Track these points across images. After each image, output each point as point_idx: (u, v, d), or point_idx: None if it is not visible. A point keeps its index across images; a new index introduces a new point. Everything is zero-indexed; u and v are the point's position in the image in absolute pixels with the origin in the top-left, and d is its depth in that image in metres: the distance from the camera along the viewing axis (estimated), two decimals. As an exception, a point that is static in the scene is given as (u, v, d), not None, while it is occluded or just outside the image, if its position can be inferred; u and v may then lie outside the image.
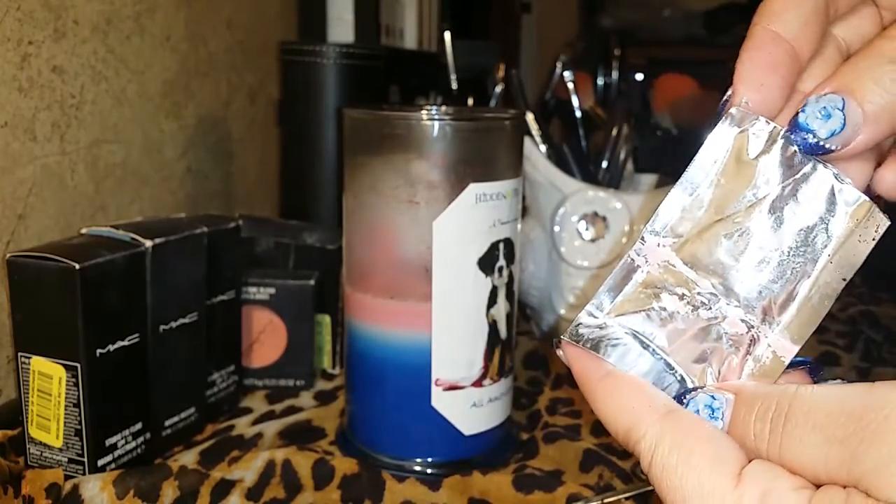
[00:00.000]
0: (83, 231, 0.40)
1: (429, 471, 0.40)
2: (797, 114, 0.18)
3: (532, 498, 0.37)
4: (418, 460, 0.40)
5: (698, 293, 0.18)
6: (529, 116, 0.56)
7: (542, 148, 0.55)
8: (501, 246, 0.39)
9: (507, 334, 0.41)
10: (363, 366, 0.41)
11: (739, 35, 0.22)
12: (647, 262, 0.19)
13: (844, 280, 0.18)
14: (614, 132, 0.58)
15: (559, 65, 0.66)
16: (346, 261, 0.42)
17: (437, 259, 0.38)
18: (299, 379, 0.50)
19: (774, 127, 0.18)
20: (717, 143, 0.18)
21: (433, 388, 0.39)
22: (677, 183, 0.19)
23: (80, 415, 0.37)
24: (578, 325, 0.19)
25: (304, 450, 0.40)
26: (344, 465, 0.39)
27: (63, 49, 0.50)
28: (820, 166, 0.18)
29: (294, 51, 0.62)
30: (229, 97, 0.73)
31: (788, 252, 0.18)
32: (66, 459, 0.38)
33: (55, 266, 0.36)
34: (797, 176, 0.18)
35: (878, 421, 0.15)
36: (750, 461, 0.17)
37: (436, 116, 0.38)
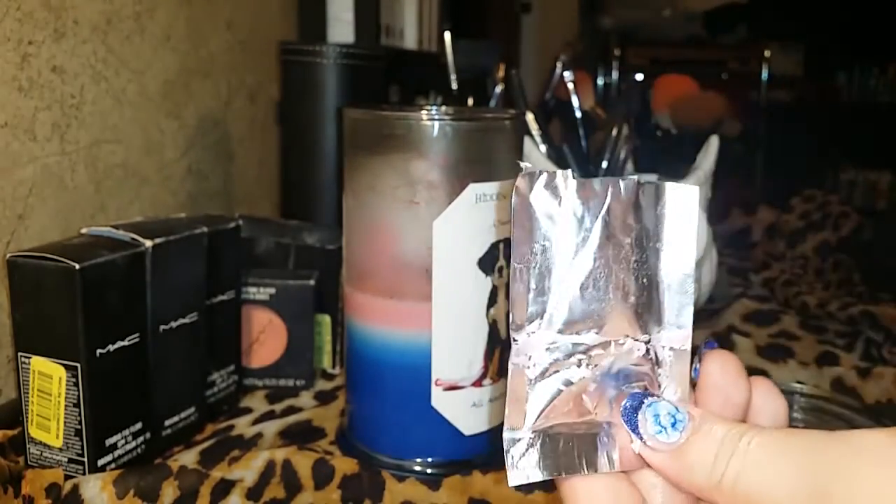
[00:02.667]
0: (83, 231, 0.40)
1: (429, 470, 0.40)
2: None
3: (532, 498, 0.37)
4: (418, 460, 0.40)
5: (590, 351, 0.18)
6: (529, 116, 0.56)
7: (543, 148, 0.55)
8: (501, 246, 0.39)
9: (507, 334, 0.41)
10: (363, 366, 0.41)
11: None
12: (530, 359, 0.18)
13: (680, 253, 0.19)
14: (614, 132, 0.58)
15: (559, 65, 0.66)
16: (346, 261, 0.42)
17: (437, 259, 0.38)
18: (299, 379, 0.50)
19: (558, 172, 0.19)
20: (523, 215, 0.18)
21: (433, 387, 0.39)
22: (510, 274, 0.19)
23: (80, 415, 0.37)
24: (512, 456, 0.19)
25: (304, 450, 0.40)
26: (344, 464, 0.39)
27: (63, 49, 0.50)
28: (622, 184, 0.19)
29: (294, 51, 0.62)
30: (229, 97, 0.73)
31: (635, 265, 0.19)
32: (66, 459, 0.38)
33: (55, 266, 0.36)
34: (608, 201, 0.19)
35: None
36: None
37: (436, 116, 0.38)
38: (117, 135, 0.56)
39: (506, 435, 0.18)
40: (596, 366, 0.19)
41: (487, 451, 0.41)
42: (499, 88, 0.70)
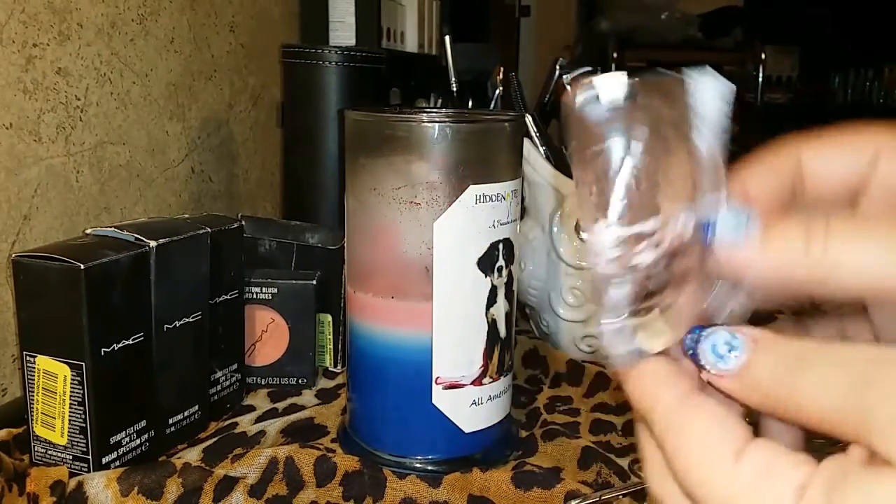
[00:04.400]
0: (88, 231, 0.41)
1: (429, 468, 0.40)
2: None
3: (531, 495, 0.38)
4: (419, 457, 0.41)
5: (652, 235, 0.19)
6: (528, 118, 0.57)
7: (542, 149, 0.56)
8: (501, 246, 0.40)
9: (507, 333, 0.41)
10: (364, 364, 0.42)
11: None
12: (601, 256, 0.19)
13: (712, 132, 0.20)
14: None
15: (558, 67, 0.66)
16: (348, 261, 0.42)
17: (437, 259, 0.38)
18: (301, 377, 0.51)
19: (604, 78, 0.19)
20: (576, 126, 0.19)
21: (434, 386, 0.40)
22: (574, 181, 0.20)
23: (84, 413, 0.37)
24: (609, 342, 0.20)
25: (306, 447, 0.41)
26: (345, 462, 0.39)
27: (68, 51, 0.51)
28: (660, 79, 0.20)
29: (296, 53, 0.62)
30: (232, 99, 0.73)
31: (677, 151, 0.20)
32: (70, 457, 0.38)
33: (60, 266, 0.36)
34: (651, 100, 0.19)
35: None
36: (755, 438, 0.18)
37: (436, 118, 0.38)
38: (121, 136, 0.57)
39: (598, 328, 0.20)
40: (657, 245, 0.19)
41: (487, 449, 0.42)
42: (498, 91, 0.71)
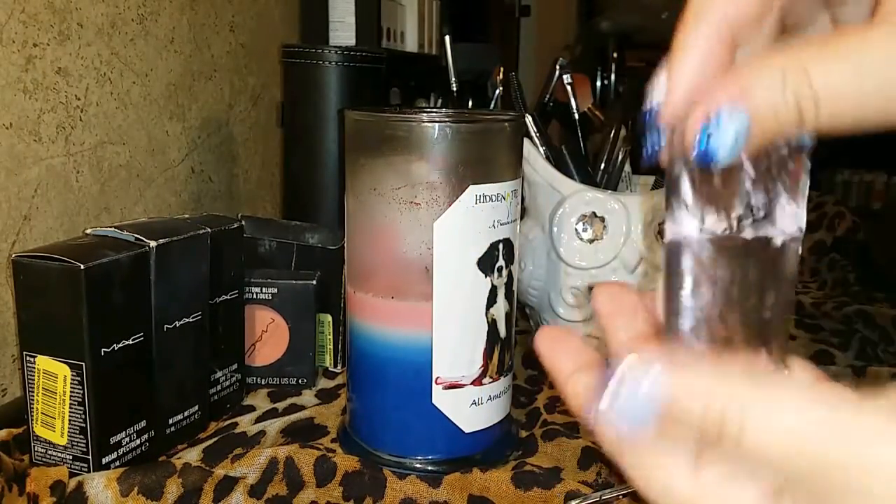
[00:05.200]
0: (88, 231, 0.41)
1: (429, 468, 0.40)
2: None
3: (531, 495, 0.38)
4: (419, 457, 0.41)
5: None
6: (528, 118, 0.57)
7: (541, 149, 0.56)
8: (501, 246, 0.40)
9: (507, 333, 0.41)
10: (364, 364, 0.42)
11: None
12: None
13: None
14: (612, 134, 0.59)
15: (558, 67, 0.66)
16: (348, 261, 0.43)
17: (437, 259, 0.38)
18: (301, 377, 0.51)
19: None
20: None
21: (434, 386, 0.40)
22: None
23: (84, 413, 0.37)
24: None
25: (306, 447, 0.41)
26: (345, 462, 0.39)
27: (68, 51, 0.51)
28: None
29: (296, 53, 0.62)
30: (232, 99, 0.73)
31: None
32: (70, 457, 0.38)
33: (60, 266, 0.36)
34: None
35: (839, 492, 0.14)
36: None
37: (436, 118, 0.38)
38: (121, 136, 0.57)
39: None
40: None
41: (487, 449, 0.42)
42: (498, 91, 0.71)
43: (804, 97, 0.16)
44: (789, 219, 0.19)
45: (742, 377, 0.16)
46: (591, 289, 0.22)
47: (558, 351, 0.20)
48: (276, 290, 0.50)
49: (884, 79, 0.16)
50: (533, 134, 0.57)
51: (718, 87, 0.17)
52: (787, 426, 0.15)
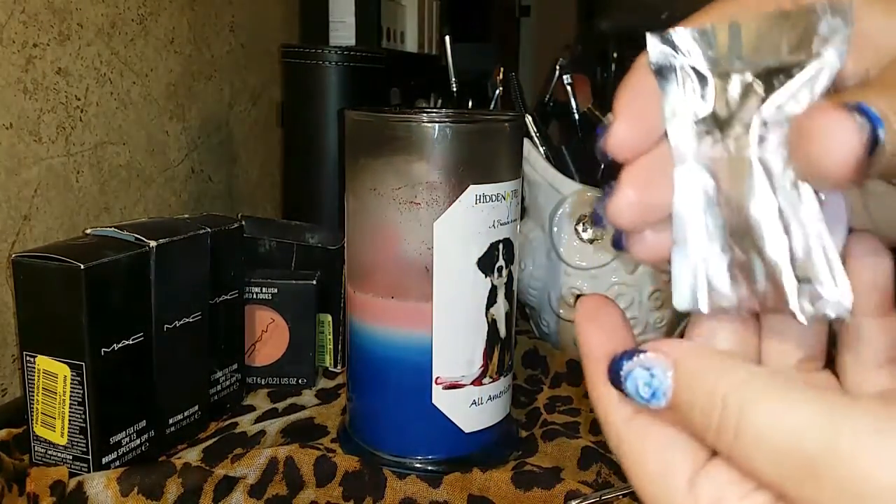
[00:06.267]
0: (88, 231, 0.41)
1: (429, 468, 0.40)
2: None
3: (531, 495, 0.38)
4: (419, 457, 0.41)
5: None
6: (528, 118, 0.57)
7: (541, 149, 0.56)
8: (501, 246, 0.40)
9: (507, 333, 0.41)
10: (365, 364, 0.42)
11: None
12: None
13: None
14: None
15: (558, 67, 0.66)
16: (348, 261, 0.43)
17: (437, 259, 0.38)
18: (301, 377, 0.51)
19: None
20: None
21: (434, 386, 0.40)
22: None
23: (84, 413, 0.37)
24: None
25: (306, 447, 0.41)
26: (345, 462, 0.39)
27: (68, 52, 0.51)
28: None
29: (296, 53, 0.62)
30: (232, 99, 0.74)
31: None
32: (70, 457, 0.38)
33: (60, 266, 0.36)
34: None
35: (835, 484, 0.14)
36: (710, 456, 0.17)
37: (436, 119, 0.38)
38: (122, 136, 0.57)
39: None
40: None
41: (487, 449, 0.42)
42: (498, 91, 0.71)
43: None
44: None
45: (745, 368, 0.16)
46: (577, 298, 0.22)
47: (597, 328, 0.20)
48: (276, 290, 0.50)
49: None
50: (533, 134, 0.57)
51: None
52: (786, 417, 0.15)
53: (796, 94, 0.17)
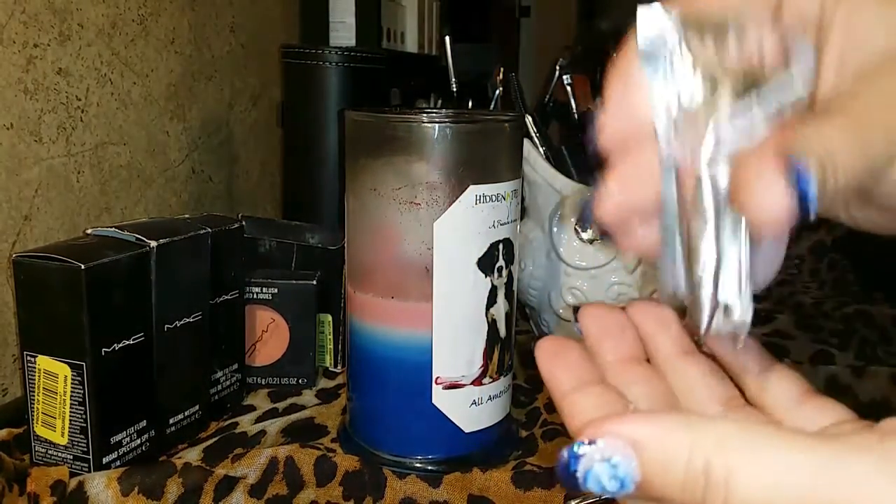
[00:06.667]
0: (88, 231, 0.41)
1: (429, 468, 0.40)
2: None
3: (531, 494, 0.38)
4: (419, 457, 0.41)
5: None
6: (528, 118, 0.57)
7: (541, 149, 0.56)
8: (501, 246, 0.40)
9: (507, 333, 0.41)
10: (365, 364, 0.42)
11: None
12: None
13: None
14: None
15: (558, 68, 0.66)
16: (348, 261, 0.43)
17: (437, 259, 0.38)
18: (302, 377, 0.51)
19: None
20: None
21: (434, 386, 0.40)
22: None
23: (85, 413, 0.37)
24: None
25: (306, 447, 0.41)
26: (346, 462, 0.39)
27: (68, 52, 0.51)
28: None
29: (296, 54, 0.62)
30: (232, 100, 0.74)
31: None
32: (71, 457, 0.38)
33: (61, 266, 0.36)
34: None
35: None
36: None
37: (436, 119, 0.38)
38: (122, 136, 0.57)
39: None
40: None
41: (487, 449, 0.42)
42: (498, 91, 0.71)
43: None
44: None
45: (712, 427, 0.15)
46: (576, 309, 0.22)
47: (558, 365, 0.20)
48: (276, 290, 0.50)
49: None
50: (533, 134, 0.57)
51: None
52: (776, 477, 0.14)
53: (756, 106, 0.18)
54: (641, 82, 0.19)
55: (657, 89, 0.19)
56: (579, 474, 0.16)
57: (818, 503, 0.14)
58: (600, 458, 0.15)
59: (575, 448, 0.16)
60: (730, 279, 0.18)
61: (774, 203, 0.16)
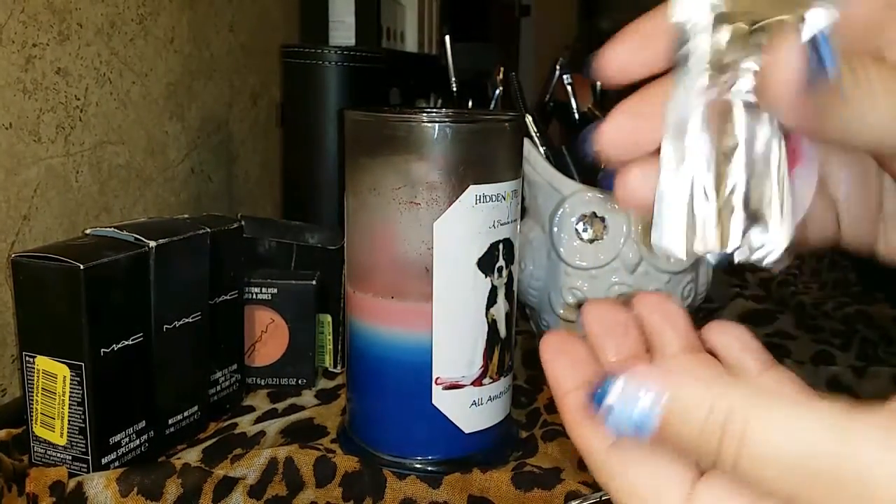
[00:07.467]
0: (87, 231, 0.41)
1: (429, 468, 0.40)
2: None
3: (531, 495, 0.38)
4: (419, 458, 0.41)
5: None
6: (528, 118, 0.57)
7: (541, 149, 0.56)
8: (501, 246, 0.40)
9: (507, 333, 0.41)
10: (364, 365, 0.42)
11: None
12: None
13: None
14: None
15: (558, 67, 0.66)
16: (348, 261, 0.42)
17: (437, 259, 0.38)
18: (301, 378, 0.51)
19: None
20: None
21: (434, 386, 0.40)
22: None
23: (84, 413, 0.37)
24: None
25: (305, 448, 0.41)
26: (345, 462, 0.39)
27: (67, 51, 0.51)
28: None
29: (296, 53, 0.62)
30: (232, 99, 0.73)
31: None
32: (70, 457, 0.38)
33: (59, 266, 0.36)
34: None
35: (849, 494, 0.14)
36: (703, 473, 0.17)
37: (436, 118, 0.38)
38: (121, 136, 0.57)
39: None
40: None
41: (487, 449, 0.42)
42: (498, 91, 0.71)
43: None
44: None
45: (742, 385, 0.16)
46: (579, 305, 0.22)
47: (562, 362, 0.20)
48: (275, 291, 0.50)
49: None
50: (533, 134, 0.56)
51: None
52: (790, 432, 0.15)
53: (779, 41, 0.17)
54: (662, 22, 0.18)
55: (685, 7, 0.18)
56: (606, 406, 0.17)
57: (826, 462, 0.14)
58: (629, 394, 0.16)
59: (606, 383, 0.17)
60: (770, 202, 0.18)
61: (790, 58, 0.16)
